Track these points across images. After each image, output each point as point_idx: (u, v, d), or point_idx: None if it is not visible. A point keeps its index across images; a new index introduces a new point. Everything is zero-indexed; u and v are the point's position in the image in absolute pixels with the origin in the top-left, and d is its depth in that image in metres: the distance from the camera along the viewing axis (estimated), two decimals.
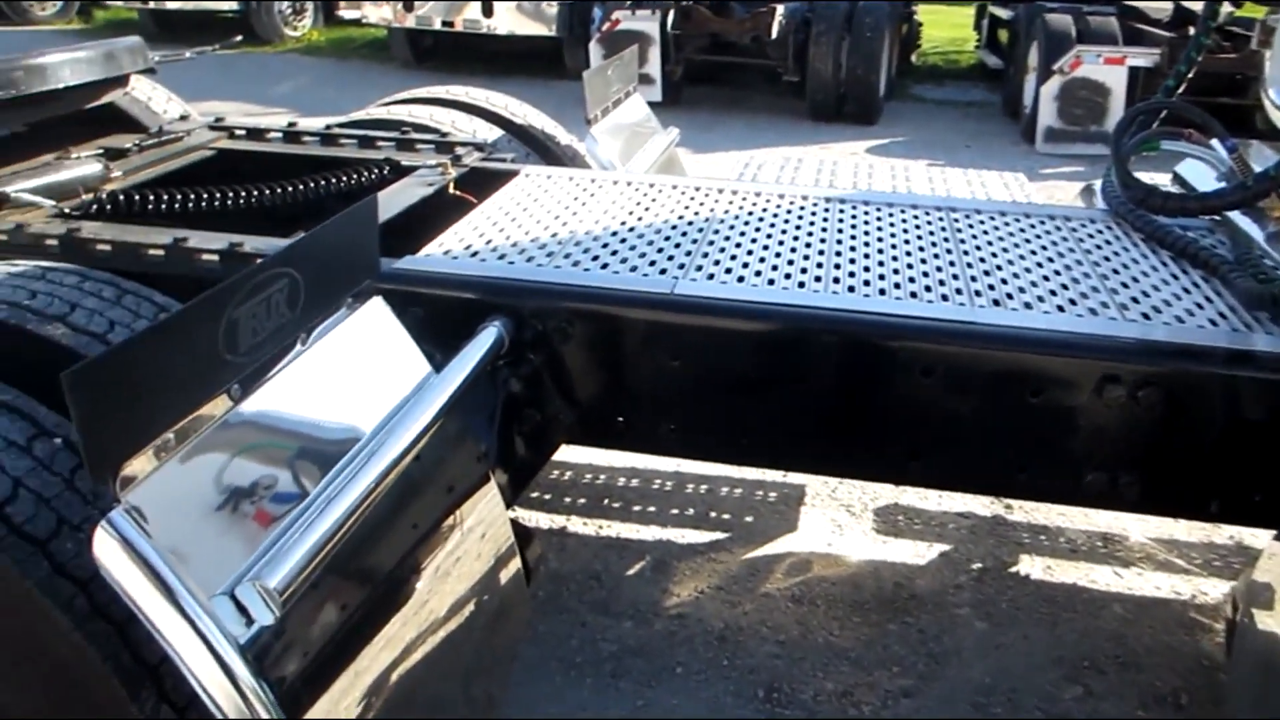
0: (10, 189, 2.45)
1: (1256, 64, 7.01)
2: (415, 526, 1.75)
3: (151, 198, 2.60)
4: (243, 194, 2.68)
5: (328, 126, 3.23)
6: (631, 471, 3.84)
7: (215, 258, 2.18)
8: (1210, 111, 2.77)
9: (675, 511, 3.59)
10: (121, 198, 2.58)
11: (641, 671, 2.86)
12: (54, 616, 1.44)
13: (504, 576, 2.01)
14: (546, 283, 2.18)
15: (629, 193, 2.79)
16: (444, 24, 10.13)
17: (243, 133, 3.21)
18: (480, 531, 1.94)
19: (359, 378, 1.77)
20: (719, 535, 3.46)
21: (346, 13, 13.11)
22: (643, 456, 3.88)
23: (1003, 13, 9.96)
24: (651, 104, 4.18)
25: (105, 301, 1.92)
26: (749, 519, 3.55)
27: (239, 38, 5.47)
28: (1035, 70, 8.20)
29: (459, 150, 3.03)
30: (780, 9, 8.71)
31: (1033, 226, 2.63)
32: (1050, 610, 3.08)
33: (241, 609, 1.35)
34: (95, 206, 2.51)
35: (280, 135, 3.19)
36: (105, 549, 1.27)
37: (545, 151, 3.53)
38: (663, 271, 2.25)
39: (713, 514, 3.58)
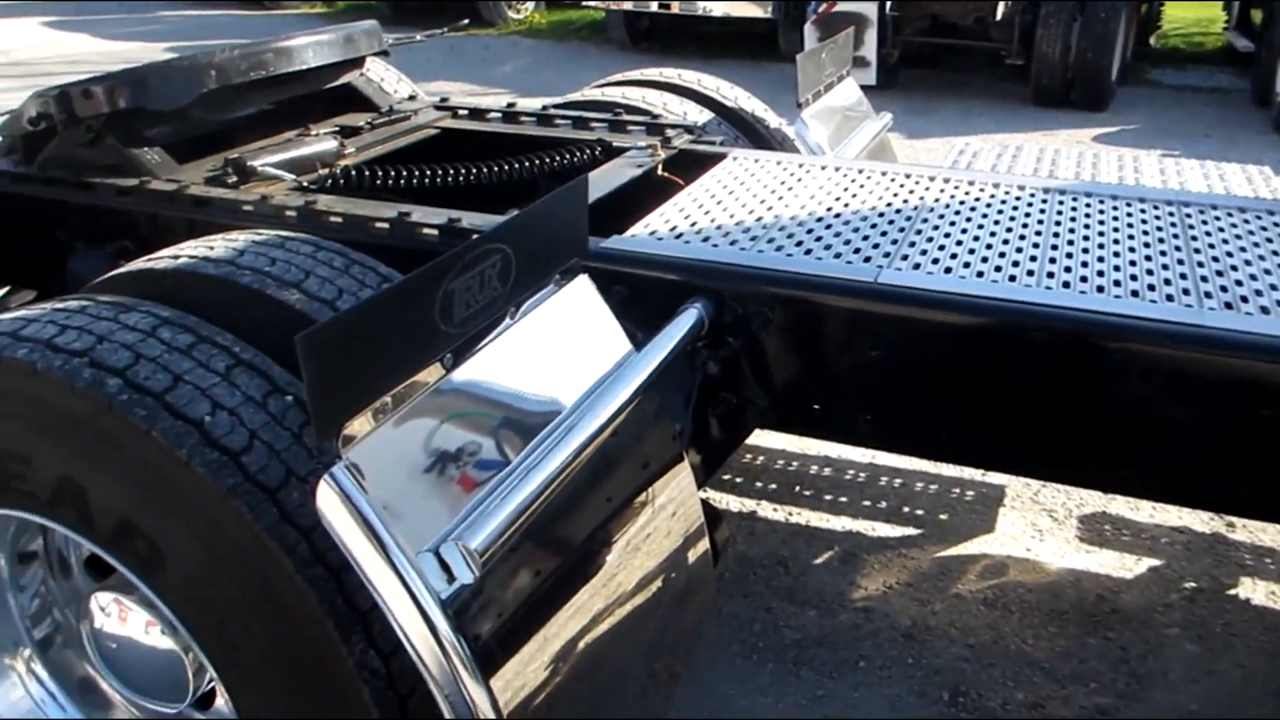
0: (257, 163, 2.65)
1: None
2: (609, 500, 1.80)
3: (380, 173, 2.75)
4: (462, 172, 2.81)
5: (544, 107, 3.34)
6: (824, 460, 3.81)
7: (435, 232, 2.30)
8: None
9: (867, 504, 3.54)
10: (353, 173, 2.75)
11: (824, 661, 2.84)
12: (280, 560, 1.57)
13: (692, 556, 2.04)
14: (749, 266, 2.19)
15: (836, 178, 2.76)
16: (660, 6, 10.23)
17: (465, 113, 3.35)
18: (671, 510, 1.97)
19: (562, 353, 1.83)
20: (911, 531, 3.39)
21: None
22: (836, 446, 3.84)
23: None
24: (865, 88, 4.10)
25: (335, 270, 2.06)
26: (943, 517, 3.46)
27: (466, 21, 5.69)
28: None
29: (669, 132, 3.07)
30: None
31: (1276, 225, 2.44)
32: (1271, 639, 2.86)
33: (444, 566, 1.43)
34: (330, 181, 2.69)
35: (499, 115, 3.32)
36: (327, 501, 1.37)
37: (755, 135, 3.52)
38: (867, 259, 2.22)
39: (905, 509, 3.50)
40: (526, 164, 2.85)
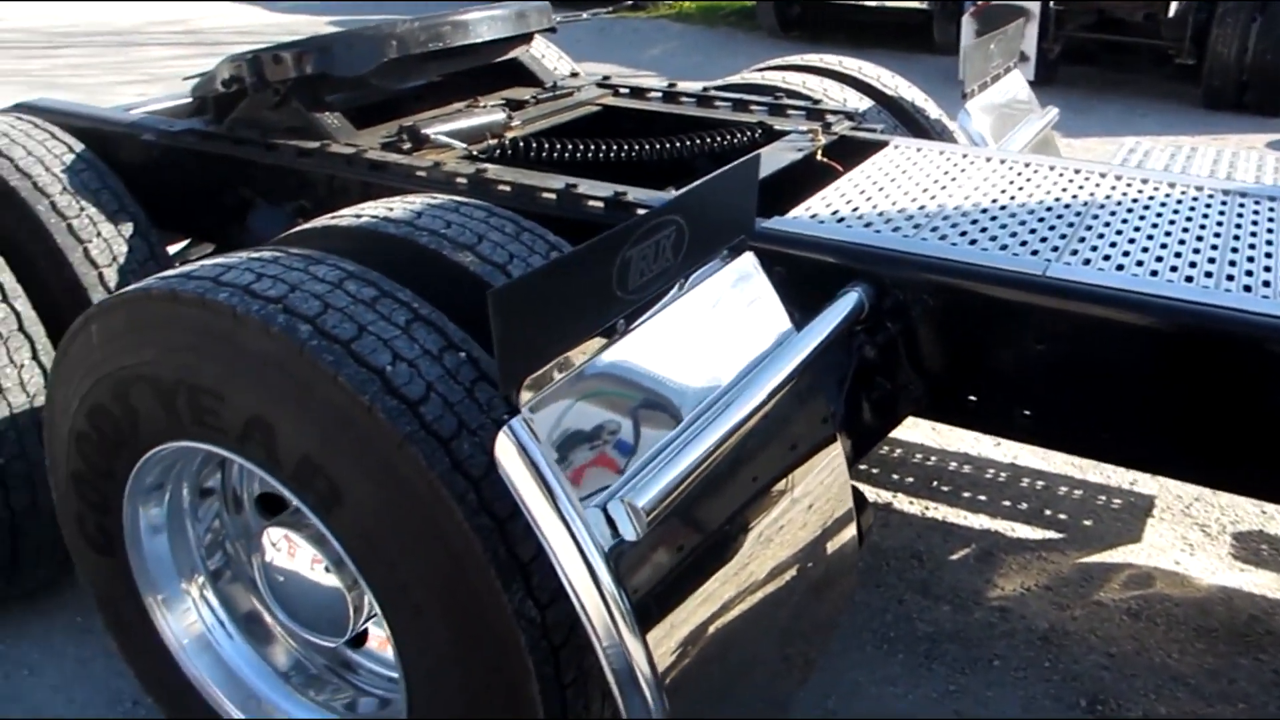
0: (430, 131, 2.76)
1: None
2: (763, 475, 1.82)
3: (545, 147, 2.83)
4: (625, 148, 2.86)
5: (705, 89, 3.37)
6: (963, 457, 3.75)
7: (600, 204, 2.35)
8: None
9: (1007, 504, 3.48)
10: (520, 145, 2.83)
11: (956, 657, 2.82)
12: (450, 506, 1.64)
13: (838, 539, 2.05)
14: (912, 254, 2.18)
15: (1002, 170, 2.71)
16: None
17: (626, 91, 3.41)
18: (822, 491, 1.99)
19: (725, 327, 1.86)
20: (1052, 534, 3.32)
21: None
22: (976, 443, 3.78)
23: None
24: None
25: (506, 236, 2.13)
26: (1087, 522, 3.37)
27: (629, 1, 5.76)
28: None
29: (829, 118, 3.06)
30: None
31: None
32: None
33: (610, 522, 1.48)
34: (498, 151, 2.77)
35: (660, 95, 3.36)
36: (505, 451, 1.44)
37: (914, 125, 3.49)
38: (1034, 253, 2.18)
39: (1047, 511, 3.43)
40: (687, 143, 2.89)
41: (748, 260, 1.95)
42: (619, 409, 1.60)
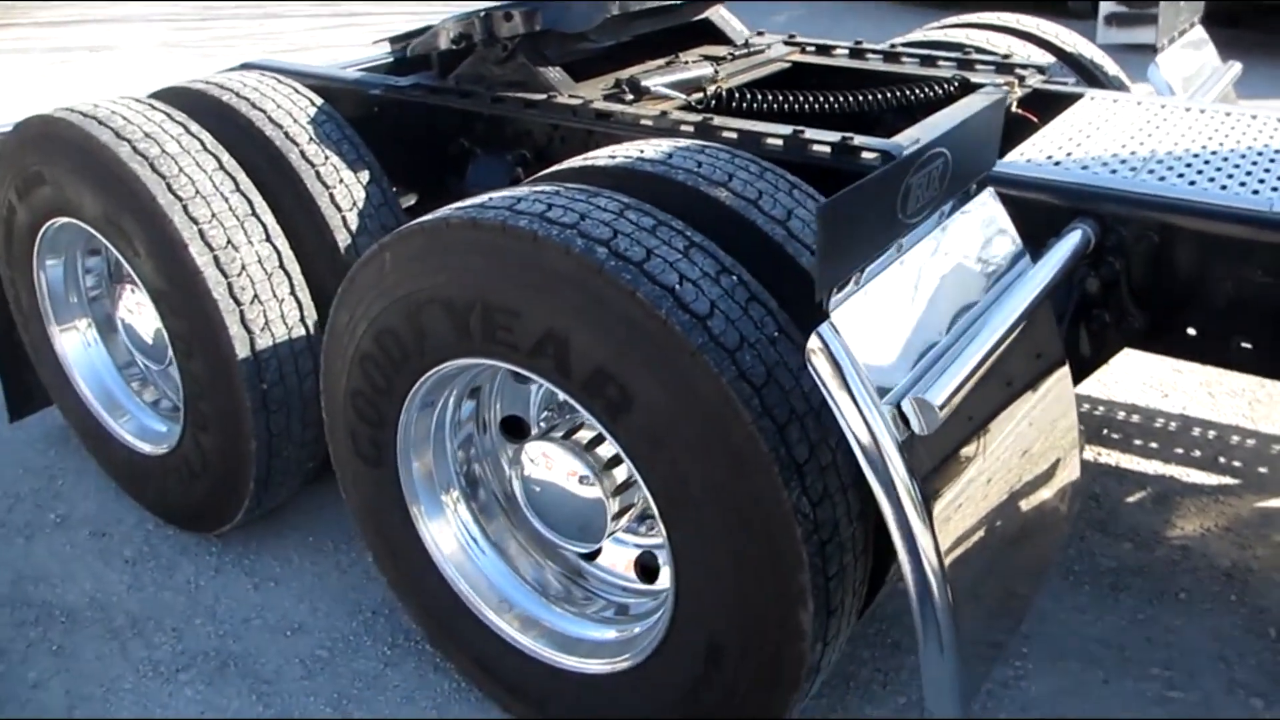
0: (649, 83, 2.94)
1: None
2: (1014, 386, 1.97)
3: (753, 97, 2.99)
4: (829, 100, 3.01)
5: (892, 45, 3.49)
6: (1131, 407, 3.84)
7: (828, 149, 2.51)
8: None
9: (1180, 451, 3.56)
10: (728, 96, 3.00)
11: (1141, 590, 2.93)
12: (738, 409, 1.83)
13: (1063, 471, 2.19)
14: (1135, 193, 2.29)
15: (1203, 119, 2.79)
16: None
17: (812, 49, 3.54)
18: (1054, 413, 2.13)
19: (975, 253, 2.01)
20: (1228, 480, 3.40)
21: None
22: (1143, 393, 3.86)
23: None
24: (1149, 48, 4.02)
25: (752, 175, 2.30)
26: (1262, 470, 3.44)
27: None
28: None
29: (1020, 72, 3.16)
30: None
31: None
32: None
33: (902, 417, 1.65)
34: (713, 101, 2.95)
35: (846, 52, 3.49)
36: (819, 350, 1.62)
37: (1093, 80, 3.56)
38: (1254, 192, 2.28)
39: (1220, 459, 3.50)
40: (888, 96, 3.02)
41: (989, 194, 2.10)
42: (902, 317, 1.77)
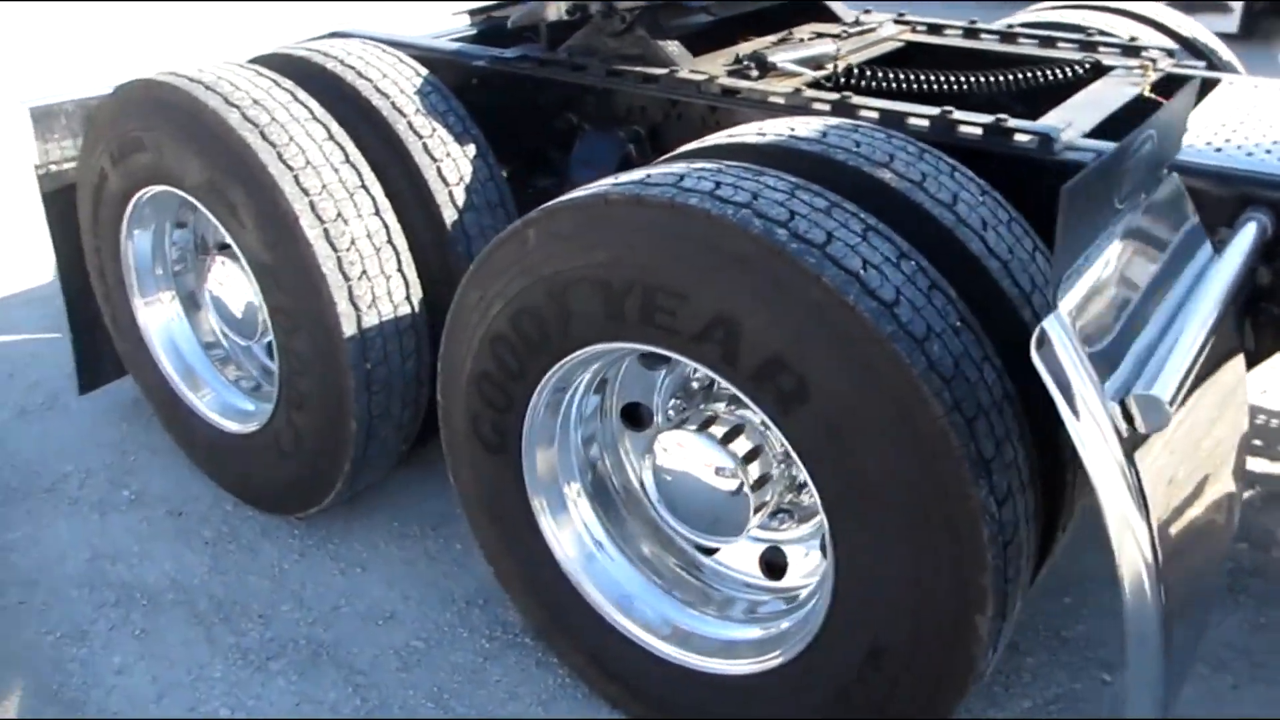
0: (775, 59, 2.82)
1: None
2: (1204, 387, 1.87)
3: (877, 75, 2.87)
4: (951, 80, 2.88)
5: (1009, 26, 3.36)
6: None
7: (979, 130, 2.39)
8: None
9: None
10: (853, 73, 2.88)
11: (1259, 590, 2.84)
12: (929, 403, 1.72)
13: (1236, 466, 2.08)
14: None
15: None
16: None
17: (923, 28, 3.42)
18: (1230, 414, 2.02)
19: (1163, 240, 1.90)
20: None
21: None
22: (1261, 397, 3.74)
23: None
24: (1224, 35, 3.92)
25: (912, 156, 2.19)
26: None
27: None
28: None
29: (1149, 56, 3.04)
30: None
31: None
32: None
33: (1126, 414, 1.54)
34: (840, 79, 2.83)
35: (960, 32, 3.37)
36: (1050, 340, 1.51)
37: (1211, 66, 3.43)
38: None
39: None
40: (1020, 77, 2.90)
41: (1176, 180, 1.99)
42: (1108, 308, 1.66)
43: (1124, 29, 3.44)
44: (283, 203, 2.57)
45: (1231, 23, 8.03)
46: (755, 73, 2.80)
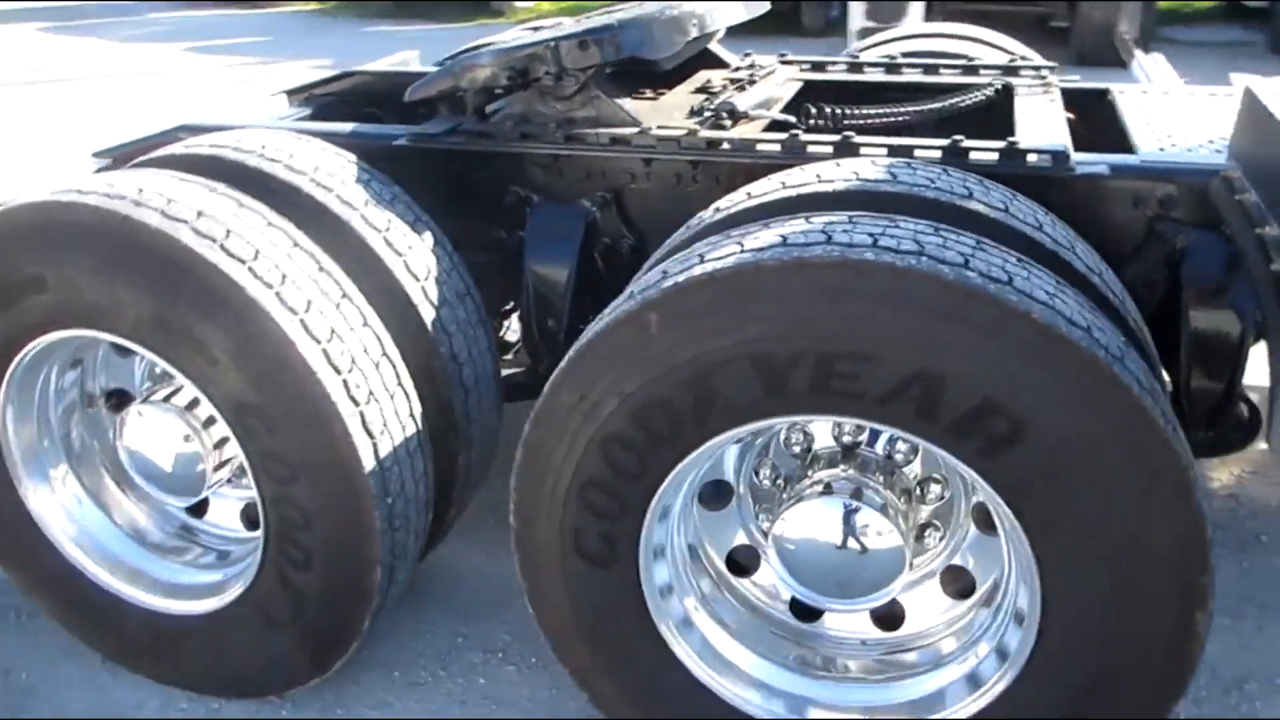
0: (740, 106, 2.75)
1: None
2: None
3: (828, 113, 2.86)
4: (892, 113, 2.92)
5: (889, 56, 3.49)
6: None
7: (994, 155, 2.43)
8: None
9: None
10: (811, 113, 2.84)
11: (1225, 541, 3.05)
12: (1152, 423, 1.73)
13: None
14: None
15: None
16: None
17: (808, 66, 3.48)
18: None
19: None
20: None
21: None
22: None
23: None
24: None
25: (984, 188, 2.22)
26: None
27: None
28: None
29: (1038, 73, 3.24)
30: None
31: None
32: None
33: None
34: (815, 121, 2.78)
35: (844, 67, 3.46)
36: None
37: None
38: None
39: None
40: (948, 104, 2.98)
41: None
42: None
43: (973, 51, 3.67)
44: (270, 326, 2.17)
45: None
46: (729, 122, 2.72)
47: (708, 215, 2.28)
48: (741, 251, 1.88)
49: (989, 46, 3.80)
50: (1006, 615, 2.09)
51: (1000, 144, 2.45)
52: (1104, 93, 3.15)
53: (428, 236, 2.64)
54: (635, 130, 2.69)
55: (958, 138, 2.48)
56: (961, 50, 3.72)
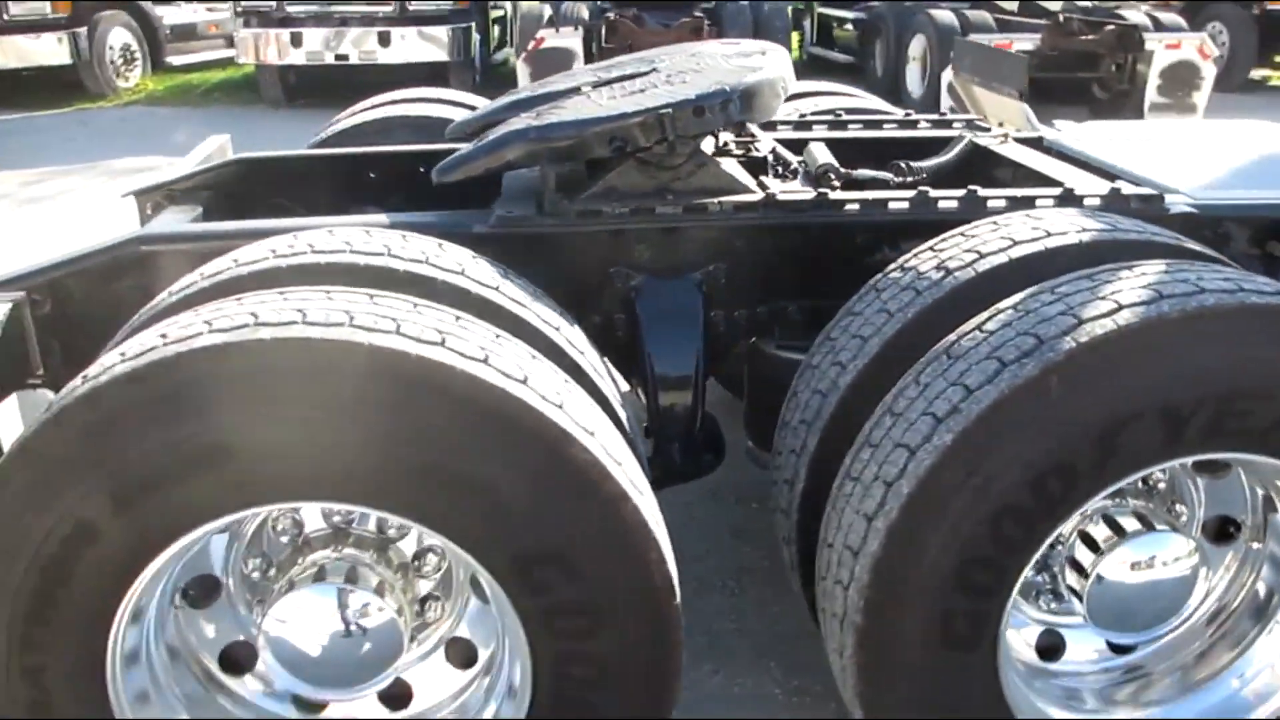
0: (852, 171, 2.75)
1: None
2: None
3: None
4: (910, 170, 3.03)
5: (802, 115, 3.59)
6: None
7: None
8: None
9: None
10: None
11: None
12: None
13: None
14: None
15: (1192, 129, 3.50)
16: (338, 57, 9.81)
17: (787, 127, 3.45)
18: None
19: None
20: None
21: (177, 59, 12.05)
22: None
23: (845, 13, 11.51)
24: None
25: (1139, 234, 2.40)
26: None
27: None
28: (918, 60, 9.68)
29: (955, 127, 3.51)
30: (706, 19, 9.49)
31: None
32: None
33: None
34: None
35: (825, 125, 3.50)
36: None
37: None
38: None
39: None
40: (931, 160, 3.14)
41: None
42: None
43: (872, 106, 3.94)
44: (576, 452, 1.82)
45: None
46: (837, 183, 2.70)
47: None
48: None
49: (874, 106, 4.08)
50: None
51: (1103, 189, 2.66)
52: (1038, 139, 3.49)
53: (575, 330, 2.34)
54: (759, 197, 2.58)
55: (1070, 186, 2.65)
56: (857, 105, 3.96)
